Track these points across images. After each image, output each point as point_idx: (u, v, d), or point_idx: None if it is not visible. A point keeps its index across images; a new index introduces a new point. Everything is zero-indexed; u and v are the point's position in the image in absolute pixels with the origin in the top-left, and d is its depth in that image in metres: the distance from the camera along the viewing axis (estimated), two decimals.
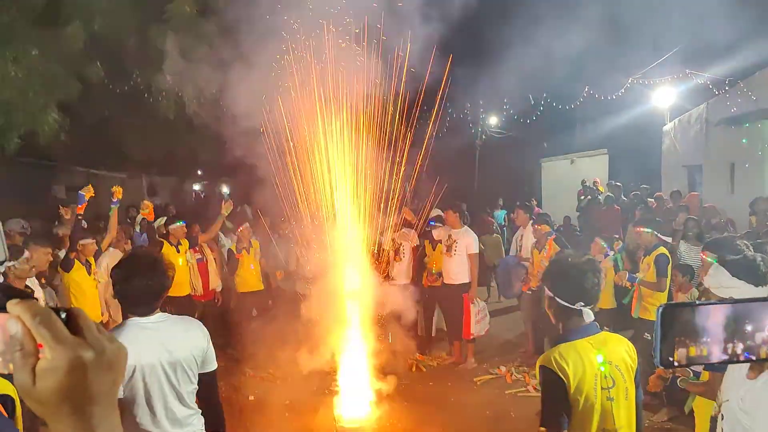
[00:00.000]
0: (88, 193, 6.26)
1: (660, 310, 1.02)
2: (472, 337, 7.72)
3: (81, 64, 8.67)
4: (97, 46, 8.77)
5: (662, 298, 5.91)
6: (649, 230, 6.21)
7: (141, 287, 2.69)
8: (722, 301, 1.02)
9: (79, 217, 6.69)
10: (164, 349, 2.73)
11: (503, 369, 7.47)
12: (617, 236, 7.41)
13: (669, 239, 6.44)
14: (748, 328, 0.99)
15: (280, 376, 7.36)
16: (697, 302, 1.02)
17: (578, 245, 7.95)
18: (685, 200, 10.81)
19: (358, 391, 6.46)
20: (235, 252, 8.22)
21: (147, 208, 7.81)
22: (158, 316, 2.80)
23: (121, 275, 2.73)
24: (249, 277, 8.18)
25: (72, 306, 0.77)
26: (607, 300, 6.93)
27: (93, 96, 9.70)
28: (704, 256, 2.96)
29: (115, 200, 6.52)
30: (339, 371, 6.77)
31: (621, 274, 6.33)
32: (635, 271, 6.37)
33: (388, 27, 6.38)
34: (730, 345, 1.00)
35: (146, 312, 2.76)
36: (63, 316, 0.73)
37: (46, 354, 0.70)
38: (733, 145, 12.31)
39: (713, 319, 0.99)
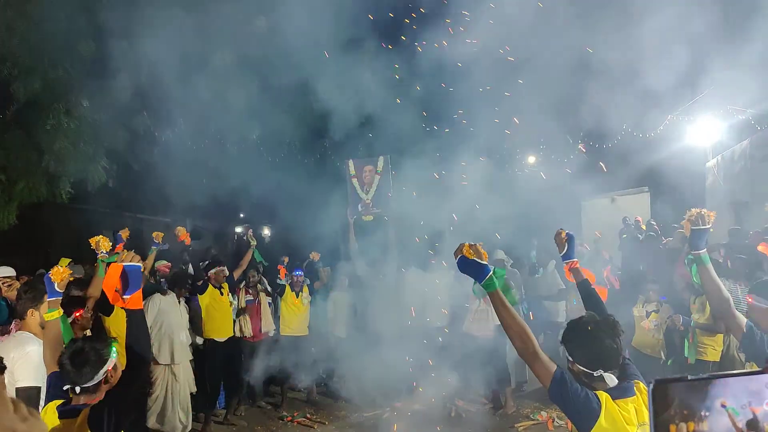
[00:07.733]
0: (125, 233, 6.35)
1: (651, 386, 0.97)
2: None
3: (128, 113, 9.05)
4: (143, 96, 9.17)
5: (719, 339, 5.68)
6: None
7: None
8: (716, 375, 0.97)
9: None
10: None
11: (545, 415, 7.24)
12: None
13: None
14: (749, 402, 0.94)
15: (317, 420, 7.31)
16: (690, 377, 0.97)
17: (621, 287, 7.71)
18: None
19: None
20: (287, 288, 8.02)
21: (180, 232, 7.89)
22: None
23: None
24: (293, 320, 8.00)
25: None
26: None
27: (139, 144, 10.10)
28: (751, 301, 2.80)
29: (156, 242, 6.50)
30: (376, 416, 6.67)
31: (675, 318, 6.04)
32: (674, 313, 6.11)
33: None
34: (730, 421, 0.94)
35: None
36: None
37: None
38: None
39: (710, 394, 0.95)
